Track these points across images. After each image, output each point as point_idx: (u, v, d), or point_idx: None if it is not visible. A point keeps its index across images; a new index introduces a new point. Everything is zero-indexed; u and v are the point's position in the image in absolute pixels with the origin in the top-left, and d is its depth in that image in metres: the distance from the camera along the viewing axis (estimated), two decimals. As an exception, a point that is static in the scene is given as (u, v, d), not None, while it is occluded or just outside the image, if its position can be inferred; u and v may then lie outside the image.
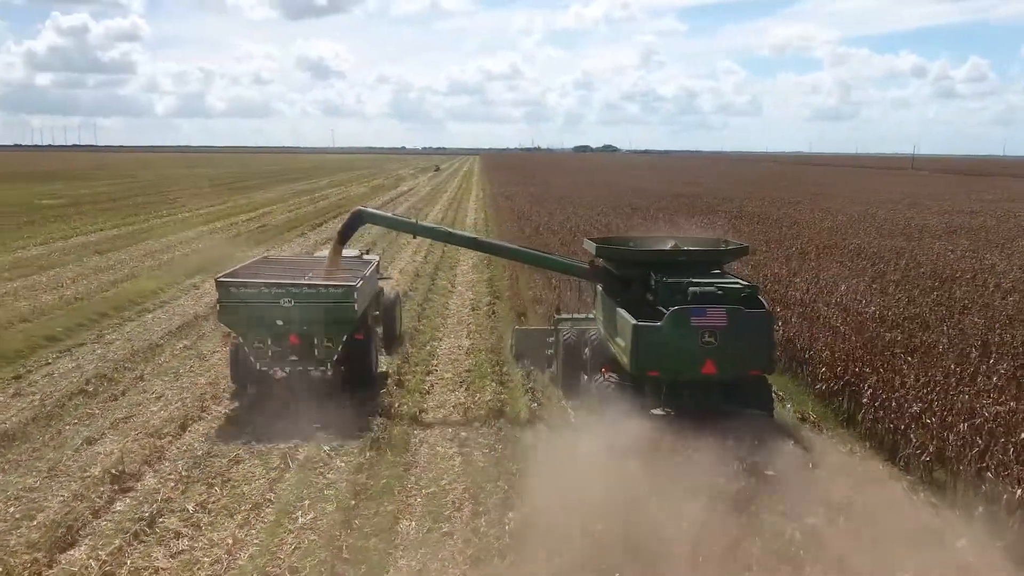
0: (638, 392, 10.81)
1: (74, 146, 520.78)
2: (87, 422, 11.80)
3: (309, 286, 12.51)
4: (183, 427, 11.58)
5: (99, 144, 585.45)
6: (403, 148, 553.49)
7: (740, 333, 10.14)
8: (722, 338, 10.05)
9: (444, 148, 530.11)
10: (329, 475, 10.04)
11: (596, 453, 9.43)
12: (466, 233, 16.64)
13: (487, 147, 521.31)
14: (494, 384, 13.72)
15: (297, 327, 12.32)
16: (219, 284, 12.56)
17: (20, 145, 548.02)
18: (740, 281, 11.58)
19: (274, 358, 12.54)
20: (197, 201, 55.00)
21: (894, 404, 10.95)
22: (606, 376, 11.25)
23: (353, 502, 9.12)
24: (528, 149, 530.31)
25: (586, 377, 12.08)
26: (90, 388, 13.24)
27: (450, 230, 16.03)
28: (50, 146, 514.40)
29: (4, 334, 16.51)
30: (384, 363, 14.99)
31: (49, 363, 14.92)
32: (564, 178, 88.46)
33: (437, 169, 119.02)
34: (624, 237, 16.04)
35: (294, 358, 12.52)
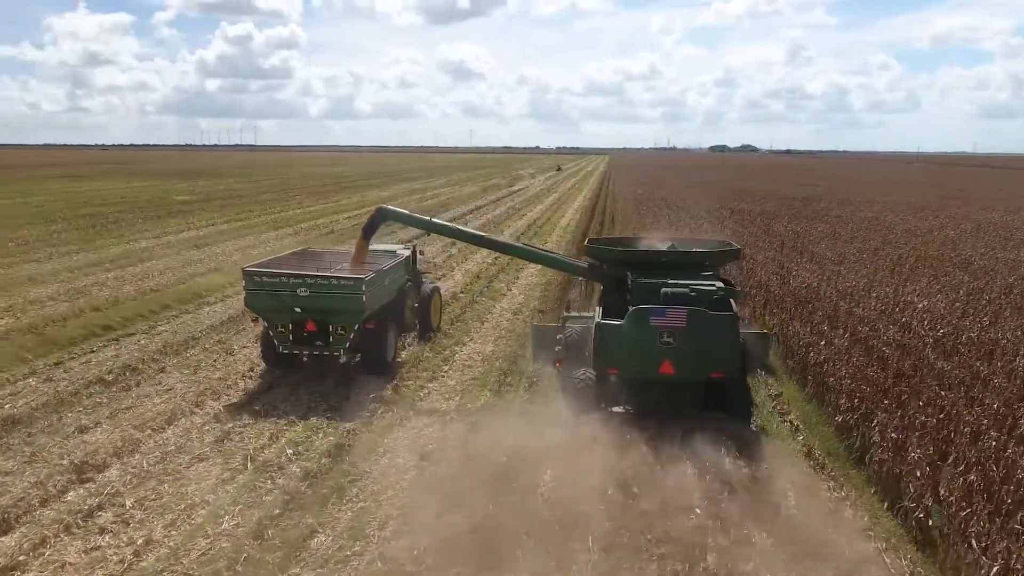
0: (610, 390, 10.88)
1: (235, 146, 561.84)
2: (90, 411, 12.41)
3: (322, 277, 13.45)
4: (169, 421, 11.91)
5: (257, 144, 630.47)
6: (537, 148, 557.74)
7: (700, 335, 10.12)
8: (680, 339, 10.12)
9: (578, 148, 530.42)
10: (279, 480, 9.97)
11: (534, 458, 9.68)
12: (473, 231, 16.88)
13: (621, 147, 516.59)
14: (488, 394, 13.36)
15: (313, 315, 13.53)
16: (245, 273, 13.91)
17: (190, 145, 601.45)
18: (720, 284, 11.41)
19: (294, 342, 13.80)
20: (313, 199, 57.80)
21: (902, 445, 9.53)
22: (584, 373, 11.21)
23: (278, 511, 8.99)
24: (663, 149, 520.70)
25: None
26: (110, 377, 13.98)
27: (459, 228, 16.02)
28: (215, 146, 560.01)
29: (69, 322, 17.79)
30: (411, 355, 15.59)
31: (93, 351, 15.92)
32: (681, 177, 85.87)
33: (558, 169, 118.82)
34: (629, 238, 15.75)
35: (319, 343, 13.73)
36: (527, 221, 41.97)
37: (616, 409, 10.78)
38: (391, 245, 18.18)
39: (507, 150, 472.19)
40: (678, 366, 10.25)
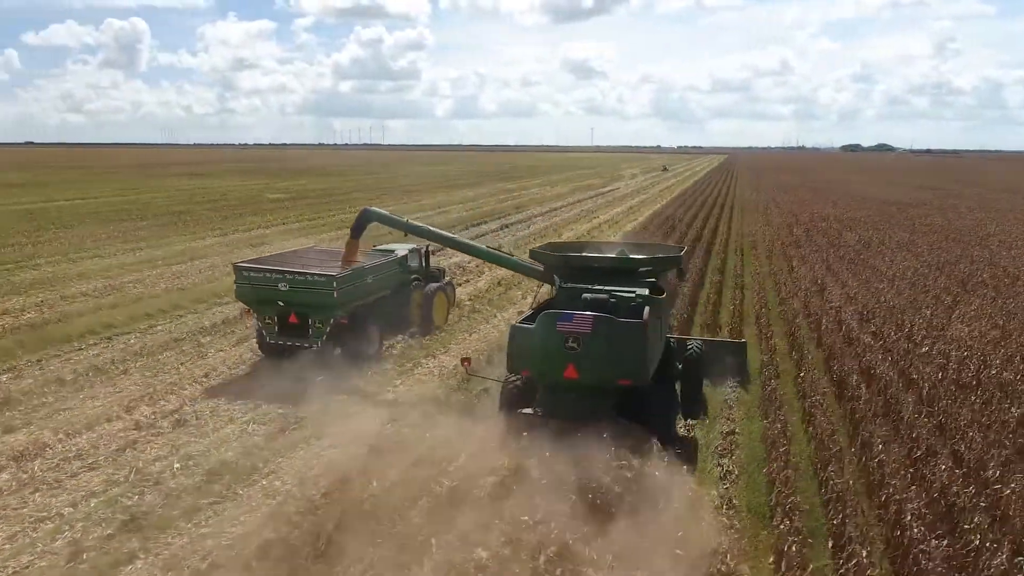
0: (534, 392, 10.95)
1: (364, 145, 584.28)
2: (30, 411, 12.74)
3: (299, 274, 14.57)
4: (89, 426, 12.05)
5: (384, 143, 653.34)
6: (658, 147, 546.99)
7: (605, 341, 10.03)
8: (585, 344, 10.08)
9: (700, 147, 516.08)
10: (148, 497, 9.74)
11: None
12: (442, 232, 16.94)
13: (746, 146, 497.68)
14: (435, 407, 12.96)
15: (294, 308, 14.64)
16: (235, 268, 15.19)
17: (322, 144, 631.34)
18: (645, 292, 11.22)
19: (279, 333, 14.97)
20: (397, 198, 58.87)
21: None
22: (519, 376, 11.24)
23: (111, 531, 8.75)
24: (790, 148, 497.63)
25: None
26: (70, 378, 14.36)
27: (431, 228, 16.50)
28: (345, 145, 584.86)
29: (77, 320, 18.62)
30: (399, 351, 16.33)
31: (80, 349, 16.48)
32: (790, 178, 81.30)
33: (664, 169, 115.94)
34: (581, 243, 15.50)
35: (301, 334, 14.82)
36: (592, 225, 40.71)
37: (526, 411, 10.76)
38: (407, 245, 18.40)
39: (627, 149, 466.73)
40: (581, 371, 10.18)
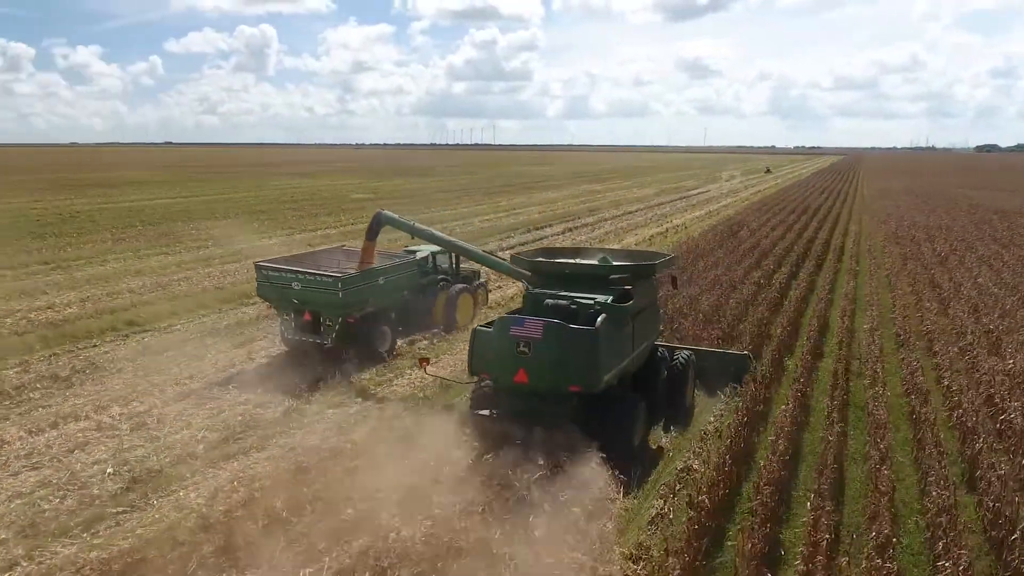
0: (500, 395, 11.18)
1: (475, 145, 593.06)
2: (6, 408, 13.29)
3: (309, 274, 15.22)
4: (53, 425, 12.42)
5: (495, 143, 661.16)
6: (772, 147, 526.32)
7: (555, 347, 10.19)
8: (535, 350, 10.27)
9: (818, 147, 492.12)
10: (67, 502, 9.85)
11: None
12: (442, 235, 17.31)
13: (870, 146, 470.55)
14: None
15: (307, 306, 15.42)
16: (256, 267, 16.07)
17: (435, 144, 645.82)
18: (607, 300, 11.08)
19: (296, 329, 15.76)
20: (479, 199, 59.40)
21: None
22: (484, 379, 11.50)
23: (7, 535, 8.88)
24: (919, 149, 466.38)
25: None
26: (65, 374, 15.00)
27: (433, 232, 17.05)
28: (457, 145, 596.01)
29: (109, 315, 19.56)
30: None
31: (94, 346, 17.20)
32: (903, 181, 75.77)
33: (767, 171, 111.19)
34: (562, 249, 15.41)
35: (314, 331, 15.57)
36: (658, 230, 39.13)
37: (482, 412, 11.17)
38: (429, 248, 19.01)
39: (740, 149, 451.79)
40: (531, 376, 10.38)
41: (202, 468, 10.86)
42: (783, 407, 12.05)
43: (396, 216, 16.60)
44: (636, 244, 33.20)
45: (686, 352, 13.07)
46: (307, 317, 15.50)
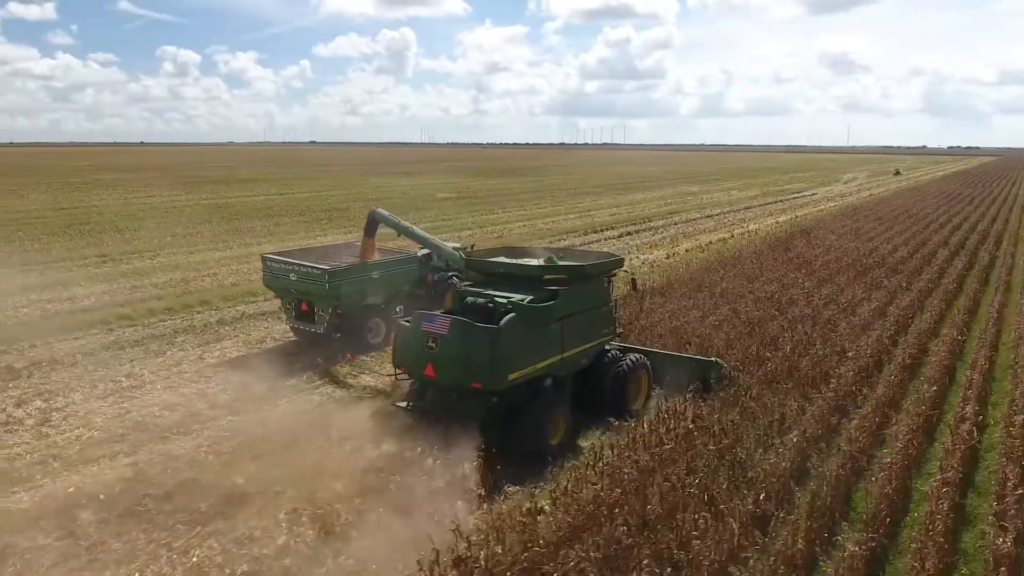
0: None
1: (605, 144, 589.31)
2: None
3: (303, 267, 16.11)
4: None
5: (625, 143, 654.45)
6: (924, 147, 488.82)
7: (459, 344, 10.42)
8: (441, 346, 10.55)
9: (975, 148, 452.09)
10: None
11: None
12: (422, 233, 17.59)
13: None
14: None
15: (303, 297, 16.38)
16: (262, 258, 17.27)
17: (564, 143, 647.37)
18: (528, 298, 11.08)
19: (295, 318, 16.91)
20: (561, 200, 58.24)
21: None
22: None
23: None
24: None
25: None
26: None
27: (415, 231, 17.47)
28: (586, 144, 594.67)
29: (120, 308, 20.38)
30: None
31: (92, 336, 17.91)
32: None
33: (896, 173, 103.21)
34: (510, 248, 15.11)
35: (310, 320, 16.53)
36: (723, 235, 36.70)
37: (400, 404, 11.64)
38: (451, 244, 19.16)
39: (886, 149, 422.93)
40: (438, 370, 10.67)
41: (61, 469, 10.77)
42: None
43: (388, 214, 17.21)
44: (687, 250, 31.24)
45: (635, 355, 12.75)
46: (304, 307, 16.53)
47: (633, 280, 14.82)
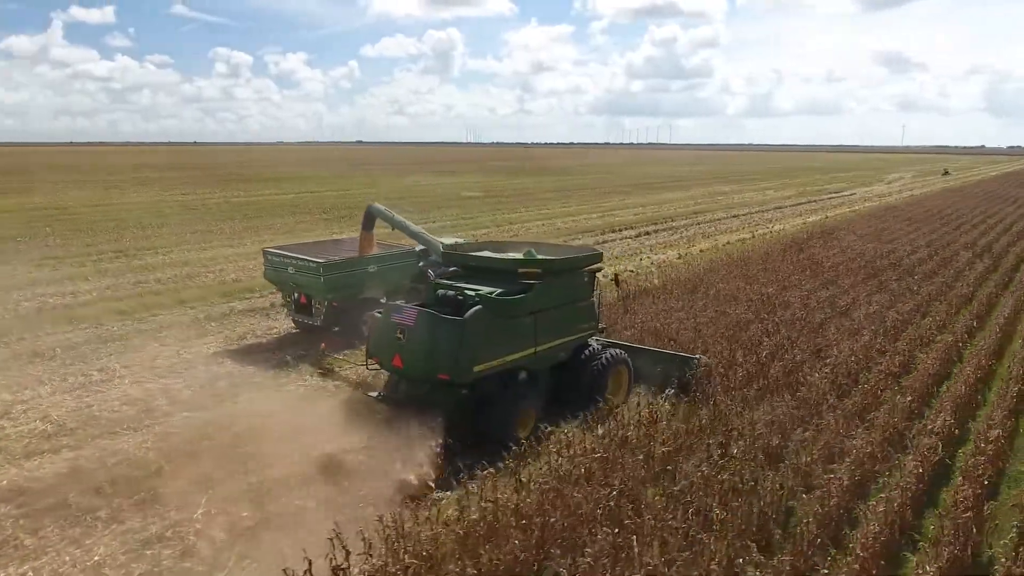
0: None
1: (650, 144, 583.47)
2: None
3: (300, 260, 16.36)
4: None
5: (671, 142, 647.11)
6: (982, 147, 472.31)
7: (424, 335, 10.53)
8: (408, 337, 10.71)
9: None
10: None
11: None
12: (415, 228, 17.19)
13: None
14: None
15: (301, 290, 16.66)
16: (263, 252, 17.70)
17: (608, 143, 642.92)
18: (498, 291, 11.13)
19: (295, 311, 17.22)
20: (589, 199, 57.67)
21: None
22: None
23: None
24: None
25: None
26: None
27: (408, 226, 17.07)
28: (631, 144, 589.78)
29: (116, 302, 20.63)
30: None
31: (83, 329, 18.10)
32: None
33: (945, 173, 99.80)
34: (490, 243, 15.33)
35: (308, 313, 16.82)
36: (739, 236, 35.69)
37: (371, 393, 11.79)
38: (451, 240, 18.88)
39: (940, 149, 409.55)
40: (405, 361, 10.87)
41: (2, 463, 10.79)
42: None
43: (383, 209, 17.31)
44: (701, 250, 30.45)
45: (615, 351, 12.62)
46: (302, 300, 16.77)
47: (616, 277, 14.58)
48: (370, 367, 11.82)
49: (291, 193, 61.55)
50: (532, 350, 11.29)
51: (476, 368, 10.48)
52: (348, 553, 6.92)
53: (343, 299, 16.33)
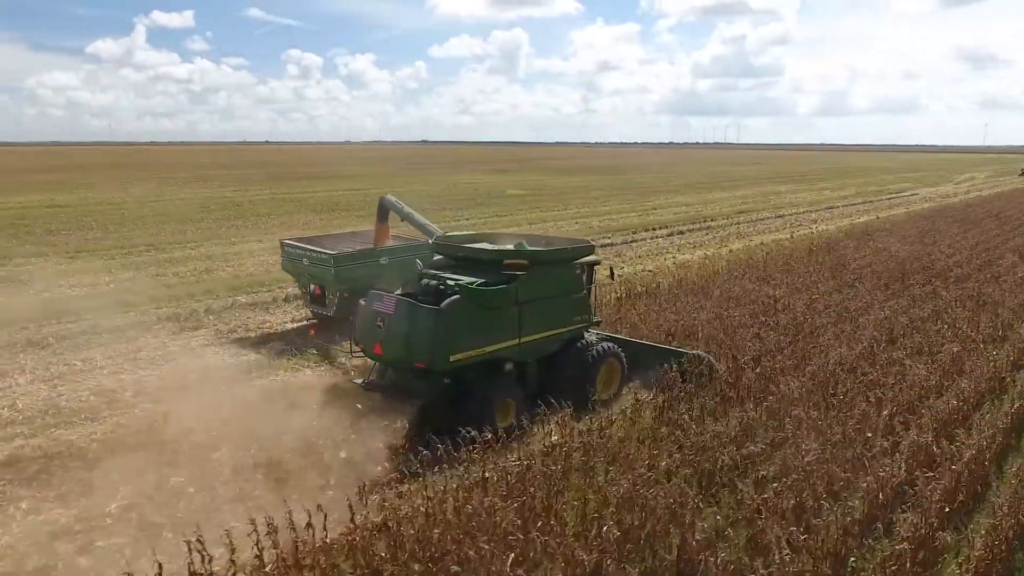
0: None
1: (716, 144, 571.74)
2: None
3: (312, 251, 16.70)
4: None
5: (739, 142, 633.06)
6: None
7: (402, 323, 10.69)
8: (387, 325, 10.86)
9: None
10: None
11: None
12: (423, 221, 17.12)
13: None
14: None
15: (314, 280, 16.86)
16: (280, 244, 18.01)
17: (672, 143, 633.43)
18: (478, 281, 11.15)
19: (310, 301, 17.35)
20: (631, 198, 56.65)
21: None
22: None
23: None
24: None
25: None
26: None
27: (414, 216, 17.11)
28: (697, 144, 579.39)
29: (126, 295, 21.04)
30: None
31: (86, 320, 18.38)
32: None
33: (1023, 173, 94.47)
34: (494, 234, 14.71)
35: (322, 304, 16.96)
36: (777, 237, 34.25)
37: (357, 381, 11.88)
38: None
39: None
40: (384, 349, 11.01)
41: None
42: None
43: (395, 200, 17.49)
44: (730, 251, 29.33)
45: (607, 344, 12.55)
46: (317, 291, 16.91)
47: (611, 270, 14.55)
48: (354, 354, 12.09)
49: (338, 191, 62.36)
50: (516, 341, 11.37)
51: (453, 357, 10.58)
52: (210, 559, 6.62)
53: (355, 290, 16.18)
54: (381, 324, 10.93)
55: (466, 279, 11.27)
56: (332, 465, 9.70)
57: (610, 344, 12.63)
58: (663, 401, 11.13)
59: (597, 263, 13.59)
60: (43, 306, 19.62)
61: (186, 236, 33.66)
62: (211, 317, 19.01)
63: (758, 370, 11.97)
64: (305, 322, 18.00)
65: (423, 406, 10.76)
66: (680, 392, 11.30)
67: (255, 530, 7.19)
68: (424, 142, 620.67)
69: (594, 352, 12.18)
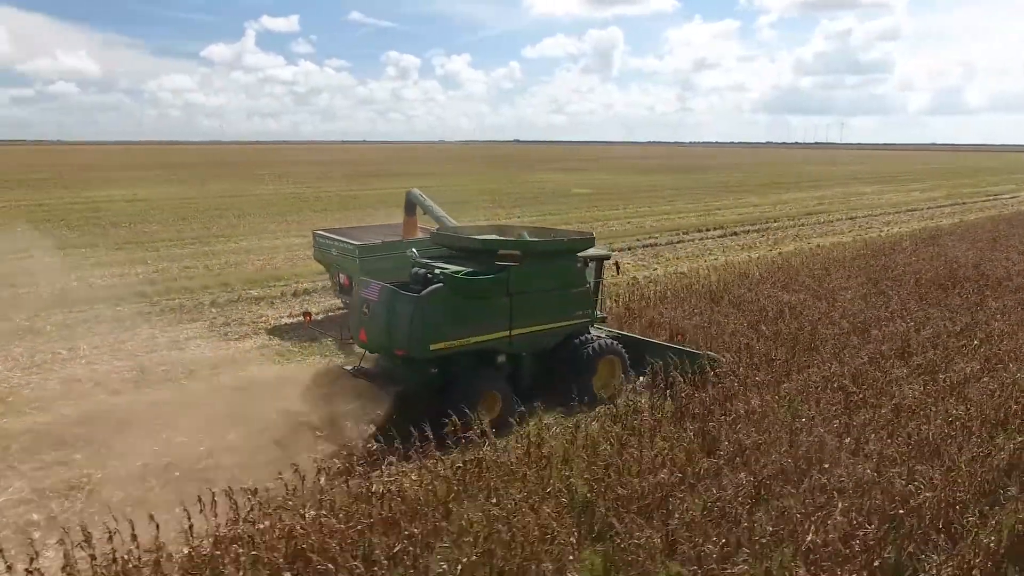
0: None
1: (818, 144, 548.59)
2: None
3: (341, 242, 17.02)
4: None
5: (842, 142, 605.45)
6: None
7: (385, 310, 10.68)
8: (371, 312, 10.91)
9: None
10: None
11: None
12: (444, 217, 16.97)
13: None
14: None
15: (342, 271, 17.13)
16: (313, 234, 18.41)
17: (771, 143, 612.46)
18: (466, 270, 11.15)
19: (340, 292, 17.58)
20: (702, 198, 54.81)
21: None
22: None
23: None
24: None
25: None
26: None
27: (435, 210, 17.11)
28: (797, 144, 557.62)
29: (144, 286, 21.54)
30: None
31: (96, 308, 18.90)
32: None
33: None
34: (504, 226, 14.60)
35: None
36: (837, 240, 32.00)
37: (347, 367, 11.75)
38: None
39: None
40: (368, 336, 11.08)
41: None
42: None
43: (419, 195, 17.62)
44: (779, 253, 27.50)
45: (606, 340, 12.22)
46: (345, 281, 17.01)
47: (617, 265, 14.37)
48: (346, 341, 12.32)
49: (399, 189, 62.79)
50: (506, 333, 11.11)
51: (433, 346, 10.42)
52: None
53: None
54: (366, 311, 10.95)
55: (452, 268, 11.12)
56: (256, 466, 9.15)
57: (610, 341, 12.23)
58: (576, 422, 10.21)
59: (607, 258, 13.25)
60: (60, 295, 20.25)
61: (236, 230, 34.48)
62: (214, 310, 19.12)
63: (720, 385, 10.77)
64: (302, 317, 17.83)
65: (402, 395, 10.37)
66: (623, 410, 10.32)
67: (114, 533, 6.81)
68: (517, 141, 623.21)
69: (591, 348, 11.84)
